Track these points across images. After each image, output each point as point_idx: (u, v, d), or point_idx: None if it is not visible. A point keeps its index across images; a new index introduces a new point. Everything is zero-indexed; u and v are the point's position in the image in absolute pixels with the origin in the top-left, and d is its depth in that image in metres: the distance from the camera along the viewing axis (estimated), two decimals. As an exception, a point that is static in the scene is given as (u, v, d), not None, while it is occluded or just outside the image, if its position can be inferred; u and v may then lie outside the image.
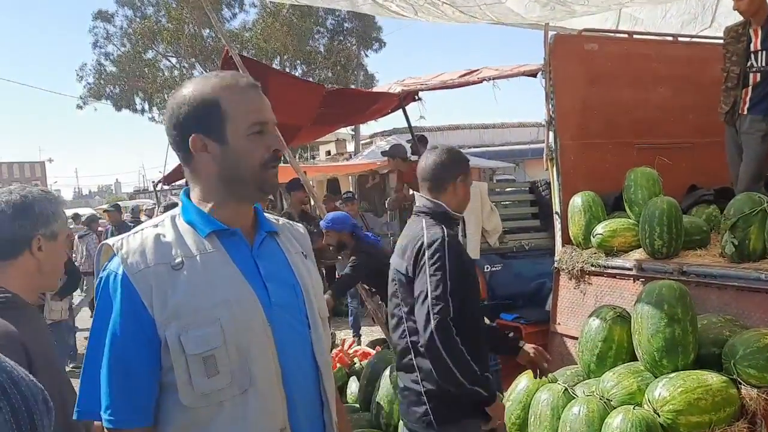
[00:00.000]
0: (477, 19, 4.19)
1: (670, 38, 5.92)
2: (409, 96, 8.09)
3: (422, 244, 2.70)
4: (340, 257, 5.65)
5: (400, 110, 8.26)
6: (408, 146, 8.58)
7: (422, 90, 7.48)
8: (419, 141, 8.36)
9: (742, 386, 3.17)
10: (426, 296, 2.59)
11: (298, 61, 22.73)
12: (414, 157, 8.03)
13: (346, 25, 22.48)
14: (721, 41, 6.00)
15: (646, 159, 5.24)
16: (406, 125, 8.60)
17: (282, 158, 1.65)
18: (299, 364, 1.55)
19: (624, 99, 5.54)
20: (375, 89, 9.16)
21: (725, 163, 5.74)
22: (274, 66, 21.91)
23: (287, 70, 22.65)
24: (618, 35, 5.62)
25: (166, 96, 22.18)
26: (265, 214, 1.66)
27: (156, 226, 1.52)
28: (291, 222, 1.79)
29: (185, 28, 21.60)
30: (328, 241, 5.24)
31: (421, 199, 2.94)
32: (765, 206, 3.93)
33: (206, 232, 1.50)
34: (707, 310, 3.88)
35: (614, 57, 5.52)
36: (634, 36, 5.68)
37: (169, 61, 24.35)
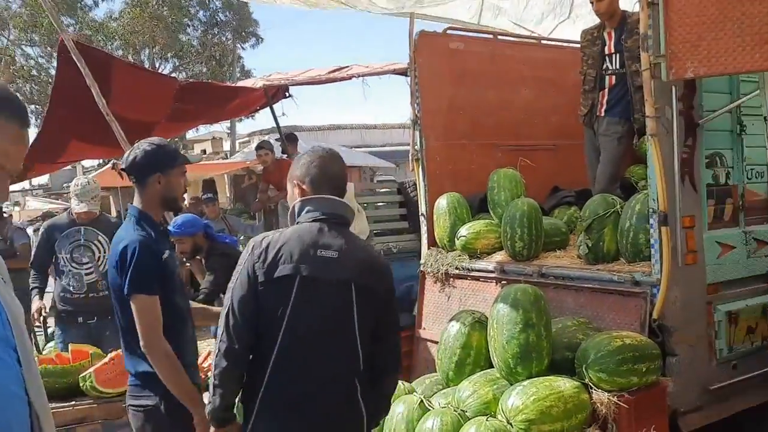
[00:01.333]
0: (330, 3, 3.96)
1: (534, 40, 5.98)
2: (279, 92, 7.75)
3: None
4: (188, 264, 5.20)
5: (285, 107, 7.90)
6: (278, 145, 8.24)
7: (288, 85, 7.17)
8: (288, 139, 8.04)
9: (594, 391, 3.13)
10: None
11: (169, 55, 21.64)
12: (283, 156, 7.71)
13: (219, 17, 21.67)
14: (578, 46, 6.15)
15: (510, 160, 5.22)
16: (283, 123, 8.27)
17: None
18: (13, 407, 1.35)
19: (489, 100, 5.51)
20: (238, 84, 8.72)
21: (585, 164, 5.88)
22: (143, 60, 20.75)
23: (157, 64, 21.51)
24: (483, 35, 5.58)
25: (21, 87, 20.43)
26: None
27: None
28: None
29: (42, 15, 19.94)
30: (182, 249, 4.77)
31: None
32: (618, 208, 3.96)
33: None
34: (565, 312, 3.85)
35: (479, 57, 5.47)
36: (499, 37, 5.66)
37: (23, 50, 22.39)
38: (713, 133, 3.92)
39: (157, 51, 21.06)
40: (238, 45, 22.90)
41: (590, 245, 3.94)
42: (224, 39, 22.46)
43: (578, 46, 5.86)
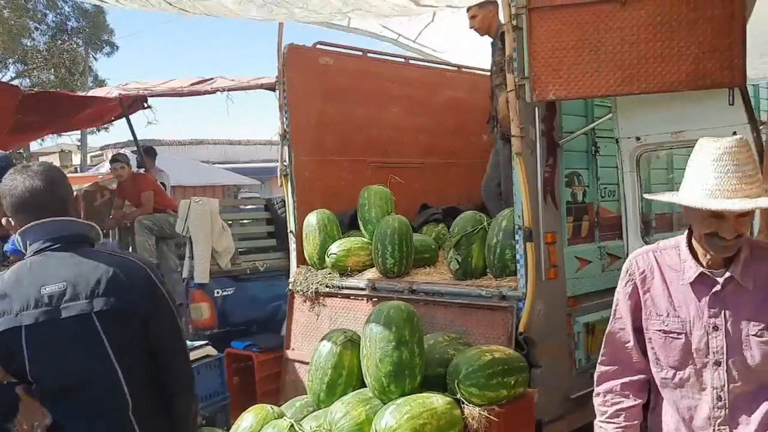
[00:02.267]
0: (187, 11, 3.75)
1: (402, 60, 6.06)
2: (136, 103, 7.28)
3: None
4: None
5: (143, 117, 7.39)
6: (134, 158, 7.74)
7: (147, 96, 6.76)
8: (146, 153, 7.58)
9: (465, 405, 3.14)
10: None
11: (11, 60, 19.85)
12: (140, 170, 7.25)
13: (71, 23, 20.28)
14: (447, 67, 6.33)
15: (380, 177, 5.23)
16: (141, 137, 7.78)
17: None
18: None
19: (359, 116, 5.50)
20: (90, 93, 8.12)
21: (453, 182, 6.02)
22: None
23: (-3, 68, 19.72)
24: (353, 52, 5.57)
25: None
26: None
27: None
28: None
29: None
30: None
31: None
32: (485, 224, 4.05)
33: None
34: (436, 328, 3.86)
35: (349, 73, 5.45)
36: (369, 54, 5.68)
37: None
38: (571, 154, 4.13)
39: (-3, 55, 19.29)
40: (91, 53, 21.49)
41: (459, 261, 4.00)
42: (75, 46, 20.98)
43: (443, 67, 6.02)
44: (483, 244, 4.00)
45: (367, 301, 4.36)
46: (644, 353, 2.05)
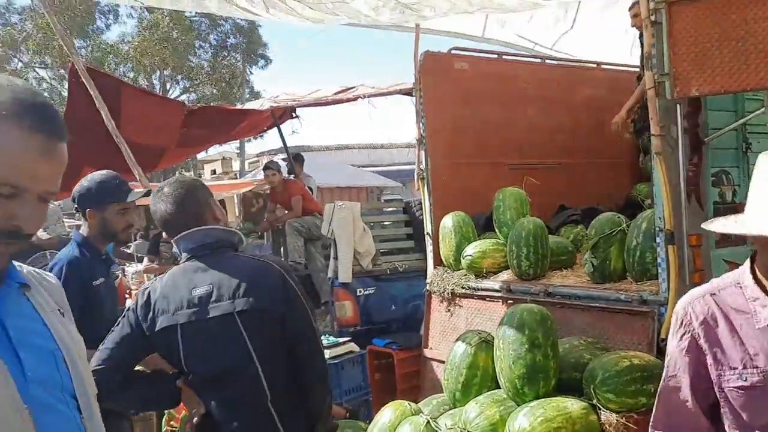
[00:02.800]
0: (328, 17, 4.00)
1: (538, 60, 6.01)
2: (286, 113, 7.80)
3: None
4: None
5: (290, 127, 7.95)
6: (284, 164, 8.28)
7: (294, 106, 7.23)
8: (295, 159, 8.08)
9: (602, 411, 3.09)
10: None
11: (180, 77, 21.85)
12: (290, 176, 7.75)
13: (230, 40, 21.93)
14: (585, 64, 6.18)
15: (516, 179, 5.22)
16: (290, 143, 8.32)
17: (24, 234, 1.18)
18: None
19: (494, 119, 5.53)
20: (245, 106, 8.77)
21: (592, 182, 5.87)
22: (153, 82, 20.96)
23: (167, 86, 21.71)
24: (488, 55, 5.61)
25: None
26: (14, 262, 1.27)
27: None
28: (38, 271, 1.40)
29: (54, 38, 20.23)
30: None
31: None
32: (624, 227, 3.94)
33: None
34: (572, 332, 3.82)
35: (484, 77, 5.50)
36: (504, 57, 5.69)
37: (37, 72, 22.67)
38: (719, 151, 3.90)
39: (167, 73, 21.30)
40: (247, 67, 23.15)
41: (596, 264, 3.92)
42: (234, 61, 22.69)
43: (582, 65, 5.88)
44: (622, 247, 3.88)
45: (502, 303, 4.38)
46: (705, 415, 1.77)
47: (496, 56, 5.69)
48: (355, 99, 6.72)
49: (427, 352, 4.91)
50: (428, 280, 5.01)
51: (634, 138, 4.83)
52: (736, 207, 4.00)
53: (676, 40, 3.40)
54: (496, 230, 4.74)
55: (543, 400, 3.15)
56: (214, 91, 22.05)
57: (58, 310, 1.33)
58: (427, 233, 5.17)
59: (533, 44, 6.34)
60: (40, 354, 1.19)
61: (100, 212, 2.92)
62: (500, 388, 3.47)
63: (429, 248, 5.14)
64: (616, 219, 4.03)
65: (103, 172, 3.01)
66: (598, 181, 5.78)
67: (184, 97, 20.20)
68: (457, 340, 3.82)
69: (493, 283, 4.49)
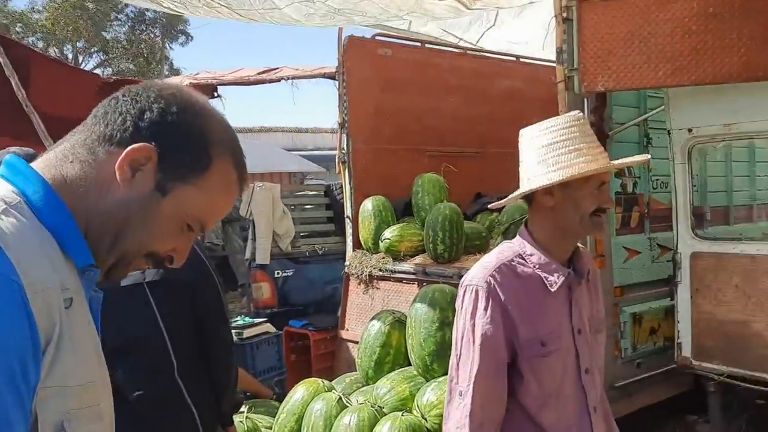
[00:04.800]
0: (256, 21, 3.98)
1: (460, 50, 6.15)
2: (207, 92, 7.63)
3: None
4: None
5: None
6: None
7: (216, 84, 7.09)
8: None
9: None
10: None
11: (94, 49, 20.92)
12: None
13: (148, 14, 21.15)
14: (505, 57, 6.37)
15: (436, 166, 5.35)
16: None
17: None
18: None
19: (416, 106, 5.62)
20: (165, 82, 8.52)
21: (509, 172, 6.04)
22: (66, 53, 20.00)
23: (80, 58, 20.75)
24: (411, 43, 5.70)
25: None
26: None
27: (19, 220, 0.89)
28: None
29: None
30: None
31: None
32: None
33: (82, 264, 0.96)
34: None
35: (407, 64, 5.58)
36: (427, 45, 5.79)
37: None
38: (622, 145, 4.14)
39: (81, 45, 20.33)
40: (167, 43, 22.41)
41: (507, 248, 4.09)
42: (153, 36, 21.91)
43: (500, 57, 6.07)
44: (531, 232, 4.07)
45: (418, 285, 4.50)
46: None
47: (419, 44, 5.78)
48: (278, 80, 6.65)
49: (344, 333, 4.98)
50: (347, 263, 5.08)
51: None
52: (636, 198, 4.27)
53: (586, 37, 3.59)
54: (414, 215, 4.87)
55: (451, 376, 3.28)
56: (131, 66, 21.22)
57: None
58: (347, 216, 5.23)
59: (458, 39, 6.47)
60: None
61: None
62: (410, 366, 3.59)
63: (348, 231, 5.21)
64: (526, 206, 4.20)
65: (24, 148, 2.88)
66: (514, 171, 5.95)
67: (99, 71, 19.37)
68: (372, 319, 3.92)
69: (410, 265, 4.61)
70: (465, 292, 1.75)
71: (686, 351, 3.74)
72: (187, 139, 1.00)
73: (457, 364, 1.73)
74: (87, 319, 0.98)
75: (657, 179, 4.37)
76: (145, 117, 0.98)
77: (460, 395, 1.69)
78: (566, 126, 1.74)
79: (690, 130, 3.72)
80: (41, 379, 0.85)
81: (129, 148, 0.96)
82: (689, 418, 4.42)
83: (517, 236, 1.81)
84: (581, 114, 1.81)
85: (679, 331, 3.76)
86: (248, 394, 4.06)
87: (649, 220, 4.31)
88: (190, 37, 23.01)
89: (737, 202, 4.72)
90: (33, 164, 0.97)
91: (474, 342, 1.68)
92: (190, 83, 6.63)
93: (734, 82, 3.34)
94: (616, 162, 1.73)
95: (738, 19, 3.25)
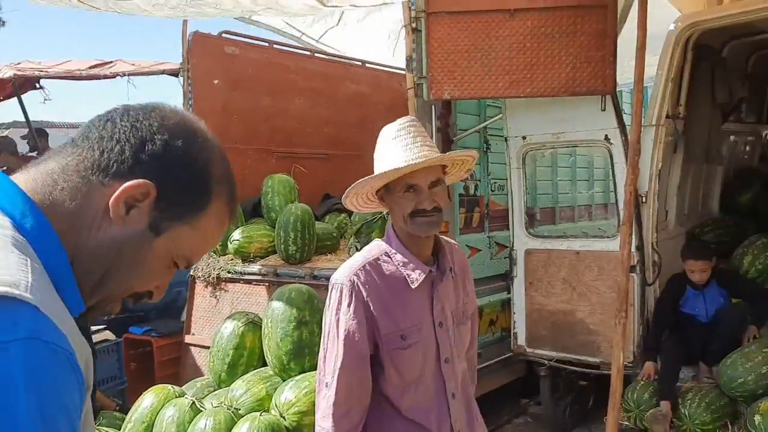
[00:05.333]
0: (101, 9, 3.74)
1: (308, 53, 6.20)
2: (28, 83, 6.98)
3: None
4: None
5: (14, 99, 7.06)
6: (22, 141, 7.42)
7: (43, 77, 6.52)
8: (39, 134, 7.29)
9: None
10: None
11: None
12: (31, 153, 6.98)
13: (-48, -7, 18.89)
14: (351, 61, 6.52)
15: (284, 167, 5.36)
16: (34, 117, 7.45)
17: None
18: None
19: (264, 106, 5.59)
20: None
21: (356, 173, 6.17)
22: None
23: None
24: (259, 42, 5.65)
25: None
26: None
27: (29, 264, 0.79)
28: None
29: None
30: None
31: None
32: (384, 213, 4.28)
33: (76, 313, 0.86)
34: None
35: (255, 63, 5.53)
36: (275, 46, 5.78)
37: None
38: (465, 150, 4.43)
39: None
40: (-25, 26, 20.12)
41: (359, 248, 4.20)
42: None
43: (346, 62, 6.20)
44: (382, 232, 4.22)
45: (269, 287, 4.48)
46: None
47: (266, 44, 5.75)
48: (113, 76, 6.25)
49: (189, 338, 4.82)
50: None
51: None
52: (477, 199, 4.59)
53: (433, 47, 3.81)
54: (264, 215, 4.83)
55: (308, 373, 3.30)
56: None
57: None
58: (193, 217, 5.07)
59: (300, 33, 6.49)
60: None
61: None
62: (266, 367, 3.57)
63: (194, 233, 5.04)
64: (376, 207, 4.36)
65: None
66: (361, 173, 6.08)
67: None
68: (225, 321, 3.83)
69: (260, 267, 4.57)
70: (332, 289, 1.82)
71: (521, 340, 4.08)
72: (190, 176, 0.93)
73: (324, 357, 1.81)
74: None
75: (495, 182, 4.73)
76: (147, 149, 0.89)
77: (326, 386, 1.78)
78: (392, 138, 1.82)
79: (524, 138, 4.08)
80: None
81: (126, 184, 0.87)
82: (522, 401, 4.83)
83: (385, 234, 1.89)
84: (413, 117, 1.92)
85: (515, 322, 4.10)
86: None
87: (488, 220, 4.65)
88: (2, 23, 20.83)
89: (561, 204, 5.23)
90: (16, 181, 0.86)
91: (338, 337, 1.76)
92: (14, 74, 6.05)
93: (562, 95, 3.72)
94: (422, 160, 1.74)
95: (566, 39, 3.63)
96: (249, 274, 4.62)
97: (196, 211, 0.94)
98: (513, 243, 4.14)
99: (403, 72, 3.95)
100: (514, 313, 4.10)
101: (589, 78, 3.65)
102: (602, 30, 3.60)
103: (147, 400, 3.46)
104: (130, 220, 0.89)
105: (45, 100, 6.57)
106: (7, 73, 6.11)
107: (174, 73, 5.81)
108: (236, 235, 4.67)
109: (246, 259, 4.66)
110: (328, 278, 4.16)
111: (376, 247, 1.88)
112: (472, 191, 4.51)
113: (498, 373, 4.51)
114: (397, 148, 1.77)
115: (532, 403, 4.75)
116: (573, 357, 3.93)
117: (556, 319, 3.97)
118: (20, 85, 6.98)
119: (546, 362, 4.05)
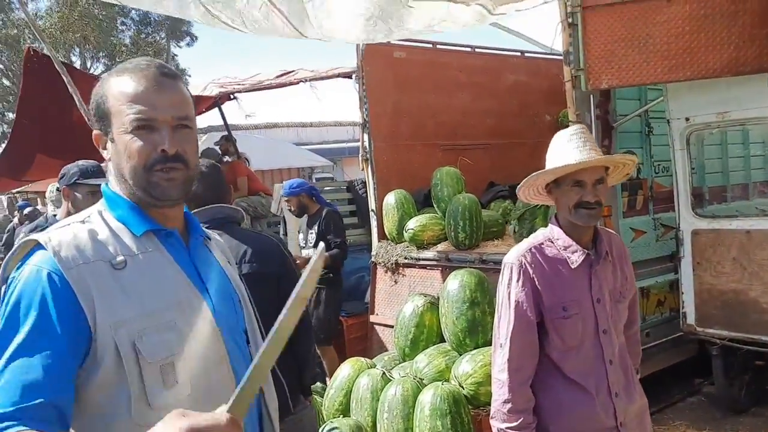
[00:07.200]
0: (306, 37, 4.29)
1: (468, 49, 6.52)
2: (225, 95, 8.01)
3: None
4: None
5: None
6: (217, 148, 8.44)
7: (239, 91, 7.47)
8: (226, 141, 8.27)
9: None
10: None
11: (101, 54, 21.17)
12: (227, 158, 7.97)
13: (153, 17, 21.38)
14: (510, 53, 6.73)
15: (450, 159, 5.76)
16: (222, 123, 8.49)
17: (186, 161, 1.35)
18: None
19: (429, 104, 6.02)
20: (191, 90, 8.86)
21: (518, 161, 6.46)
22: (72, 59, 20.30)
23: (88, 63, 21.06)
24: (423, 45, 6.07)
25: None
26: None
27: (83, 222, 1.32)
28: (206, 230, 1.59)
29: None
30: (290, 206, 5.41)
31: None
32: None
33: (142, 231, 1.33)
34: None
35: (420, 64, 5.98)
36: (437, 46, 6.17)
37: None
38: (626, 135, 4.53)
39: (88, 50, 20.59)
40: (172, 44, 22.67)
41: (523, 233, 4.49)
42: (158, 38, 22.17)
43: (506, 54, 6.41)
44: (545, 217, 4.46)
45: (443, 270, 4.91)
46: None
47: (430, 45, 6.16)
48: (297, 82, 7.03)
49: (373, 318, 5.40)
50: (374, 252, 5.48)
51: (554, 120, 5.43)
52: (640, 182, 4.66)
53: (590, 40, 3.96)
54: (434, 206, 5.26)
55: (482, 348, 3.69)
56: (138, 69, 21.38)
57: (229, 262, 1.58)
58: (372, 210, 5.63)
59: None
60: (222, 295, 1.44)
61: (72, 190, 3.15)
62: (444, 342, 4.00)
63: (374, 223, 5.61)
64: (540, 194, 4.60)
65: (90, 161, 3.24)
66: (523, 160, 6.35)
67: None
68: (406, 302, 4.31)
69: (433, 253, 5.01)
70: (504, 268, 2.19)
71: (690, 319, 4.14)
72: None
73: (498, 324, 2.18)
74: (162, 263, 1.34)
75: (659, 164, 4.76)
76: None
77: (501, 347, 2.14)
78: (566, 140, 2.11)
79: (687, 119, 4.10)
80: (97, 321, 1.21)
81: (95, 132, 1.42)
82: (696, 381, 4.84)
83: (549, 224, 2.21)
84: (580, 127, 2.20)
85: (683, 302, 4.16)
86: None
87: (652, 202, 4.70)
88: (194, 38, 23.26)
89: (733, 182, 5.10)
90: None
91: (509, 306, 2.12)
92: (219, 92, 7.01)
93: (725, 76, 3.72)
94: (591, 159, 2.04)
95: (727, 19, 3.62)
96: (424, 259, 5.07)
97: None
98: (679, 224, 4.19)
99: (560, 57, 4.14)
100: (683, 293, 4.16)
101: (754, 57, 3.61)
102: (765, 6, 3.55)
103: (344, 370, 4.04)
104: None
105: (246, 116, 7.48)
106: (214, 91, 7.10)
107: (348, 75, 6.42)
108: (411, 224, 5.13)
109: (420, 246, 5.11)
110: (496, 262, 4.56)
111: (541, 234, 2.22)
112: (634, 174, 4.59)
113: (668, 352, 4.58)
114: (569, 149, 2.08)
115: (705, 383, 4.74)
116: (746, 336, 3.92)
117: (727, 298, 3.98)
118: (220, 96, 8.03)
119: (717, 341, 4.07)
